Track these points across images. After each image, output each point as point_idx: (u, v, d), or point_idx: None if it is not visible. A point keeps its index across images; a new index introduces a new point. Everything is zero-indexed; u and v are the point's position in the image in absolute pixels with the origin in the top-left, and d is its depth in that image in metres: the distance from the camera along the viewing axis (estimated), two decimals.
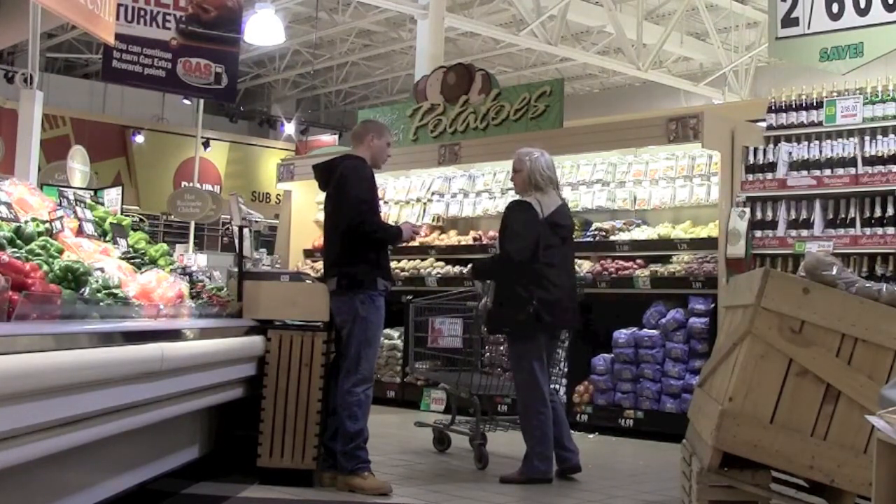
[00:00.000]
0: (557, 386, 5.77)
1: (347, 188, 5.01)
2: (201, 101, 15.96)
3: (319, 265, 9.79)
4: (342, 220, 5.01)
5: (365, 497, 4.77)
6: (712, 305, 6.84)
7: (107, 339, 3.29)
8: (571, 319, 5.59)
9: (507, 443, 6.22)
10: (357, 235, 4.99)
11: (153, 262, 4.88)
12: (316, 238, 10.20)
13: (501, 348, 6.74)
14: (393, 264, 8.96)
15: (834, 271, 3.62)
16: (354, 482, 4.84)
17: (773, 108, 7.13)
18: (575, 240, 7.69)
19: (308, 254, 10.11)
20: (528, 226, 5.35)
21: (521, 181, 5.55)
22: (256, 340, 4.84)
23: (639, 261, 7.59)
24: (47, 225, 4.10)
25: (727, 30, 16.85)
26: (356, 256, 5.01)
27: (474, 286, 6.56)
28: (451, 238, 9.04)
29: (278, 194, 17.11)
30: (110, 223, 4.97)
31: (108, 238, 4.80)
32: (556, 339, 5.73)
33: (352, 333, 4.95)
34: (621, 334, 7.27)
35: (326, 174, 5.20)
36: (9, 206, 4.09)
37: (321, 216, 10.20)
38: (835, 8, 7.02)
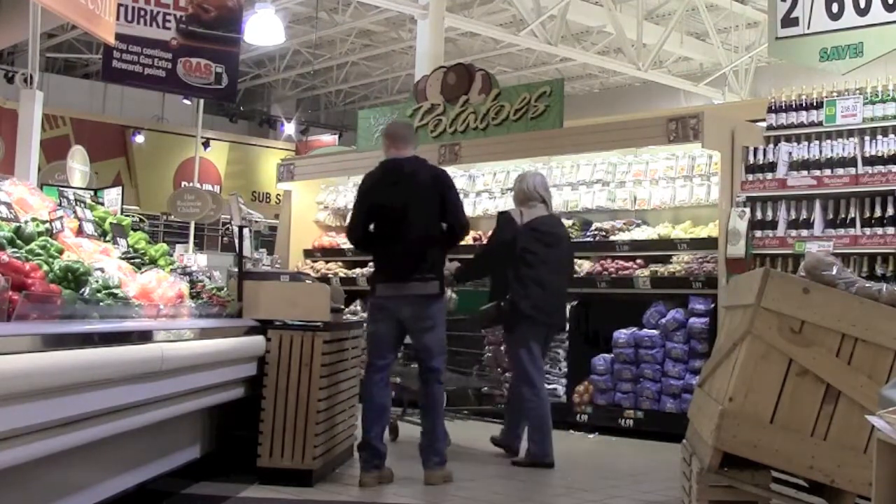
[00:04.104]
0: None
1: (455, 200, 5.24)
2: (201, 101, 15.94)
3: (319, 265, 9.81)
4: (447, 228, 5.19)
5: (365, 497, 4.79)
6: (712, 305, 6.84)
7: (107, 339, 3.29)
8: (557, 319, 6.09)
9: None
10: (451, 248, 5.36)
11: (153, 262, 4.88)
12: (316, 238, 10.20)
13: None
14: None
15: (834, 271, 3.62)
16: (448, 473, 5.18)
17: (773, 108, 7.13)
18: (575, 240, 7.83)
19: (308, 254, 10.10)
20: (500, 231, 6.03)
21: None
22: (256, 340, 4.84)
23: (639, 261, 7.59)
24: (47, 225, 4.10)
25: (727, 30, 16.84)
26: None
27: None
28: None
29: (278, 194, 17.10)
30: (110, 223, 4.97)
31: (108, 238, 4.79)
32: (546, 337, 6.10)
33: (440, 334, 5.20)
34: (621, 334, 7.27)
35: (407, 173, 5.20)
36: (9, 206, 4.09)
37: (321, 216, 10.31)
38: (835, 8, 7.02)
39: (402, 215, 5.09)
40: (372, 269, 5.41)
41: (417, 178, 5.17)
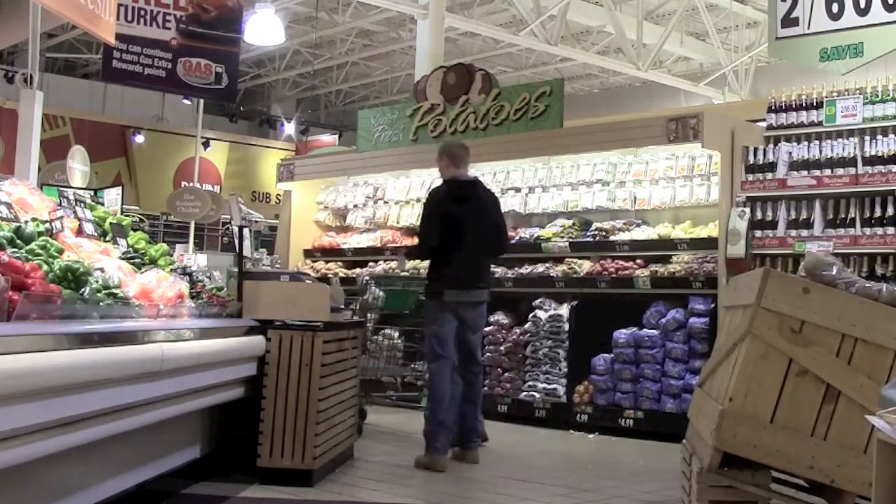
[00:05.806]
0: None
1: (504, 223, 6.16)
2: (201, 101, 15.93)
3: (319, 265, 9.82)
4: (497, 244, 6.09)
5: (364, 496, 4.78)
6: (712, 305, 6.84)
7: (107, 339, 3.28)
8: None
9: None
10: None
11: (153, 262, 4.87)
12: (316, 238, 10.20)
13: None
14: (392, 264, 9.00)
15: (834, 271, 3.62)
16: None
17: (773, 108, 7.13)
18: (575, 240, 8.00)
19: (308, 254, 10.10)
20: None
21: None
22: (256, 340, 4.84)
23: (639, 261, 7.59)
24: (47, 225, 4.10)
25: (727, 30, 16.85)
26: None
27: (359, 283, 7.53)
28: None
29: (278, 194, 17.08)
30: (110, 223, 4.97)
31: (108, 238, 4.79)
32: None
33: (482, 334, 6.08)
34: (621, 334, 7.27)
35: (477, 193, 6.05)
36: (9, 206, 4.09)
37: (321, 216, 10.32)
38: (835, 8, 7.02)
39: (474, 230, 5.86)
40: (437, 276, 5.97)
41: (484, 198, 6.05)
